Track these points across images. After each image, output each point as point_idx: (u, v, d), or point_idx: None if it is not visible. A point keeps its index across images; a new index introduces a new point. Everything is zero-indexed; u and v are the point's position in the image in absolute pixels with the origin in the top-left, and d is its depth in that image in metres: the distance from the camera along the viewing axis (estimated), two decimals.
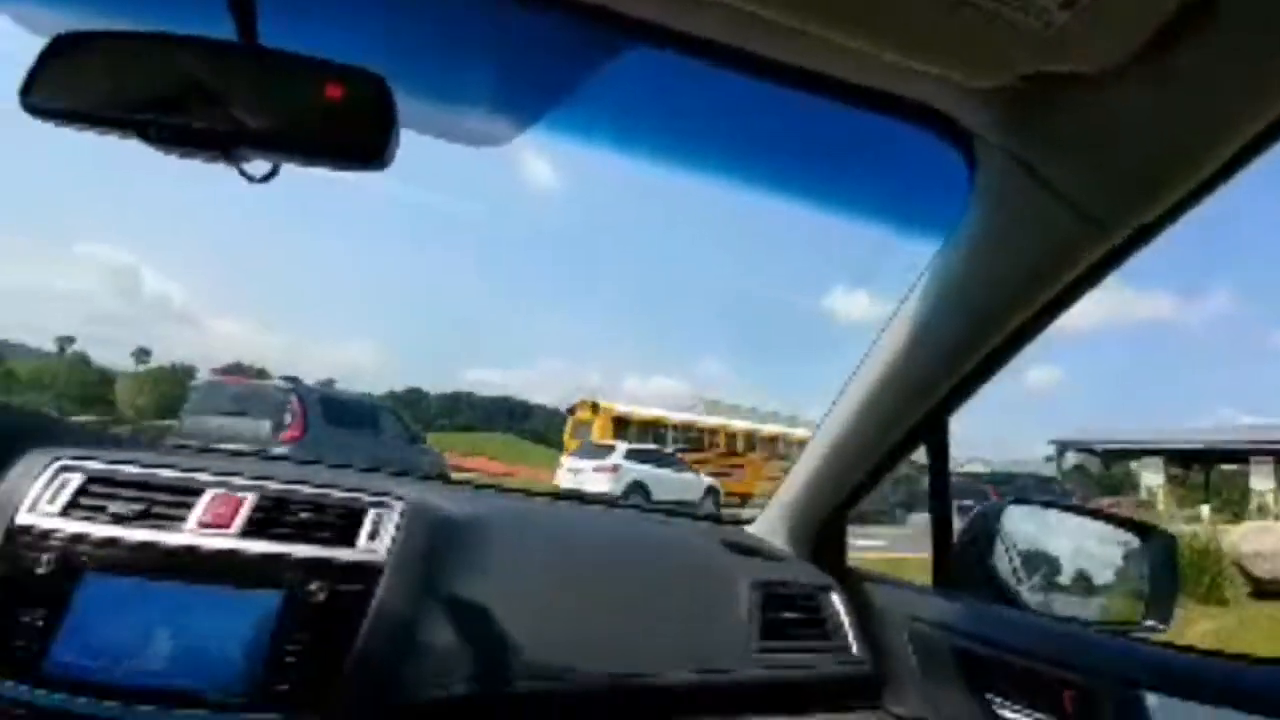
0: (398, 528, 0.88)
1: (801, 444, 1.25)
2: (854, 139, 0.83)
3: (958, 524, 1.12)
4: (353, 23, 0.73)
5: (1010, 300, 0.82)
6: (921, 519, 1.21)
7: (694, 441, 17.59)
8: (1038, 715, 0.84)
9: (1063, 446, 24.51)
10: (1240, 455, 20.51)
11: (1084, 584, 1.08)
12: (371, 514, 0.89)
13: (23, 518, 0.79)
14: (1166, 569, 1.00)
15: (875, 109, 0.69)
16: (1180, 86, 0.55)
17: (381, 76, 0.52)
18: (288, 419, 7.93)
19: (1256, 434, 20.40)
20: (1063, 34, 0.51)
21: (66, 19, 0.55)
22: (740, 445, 18.38)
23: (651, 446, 14.82)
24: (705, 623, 1.01)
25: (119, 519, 0.80)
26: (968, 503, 1.78)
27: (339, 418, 8.46)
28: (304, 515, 0.86)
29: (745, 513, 1.43)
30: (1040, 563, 1.08)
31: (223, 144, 0.51)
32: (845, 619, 1.10)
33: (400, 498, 0.92)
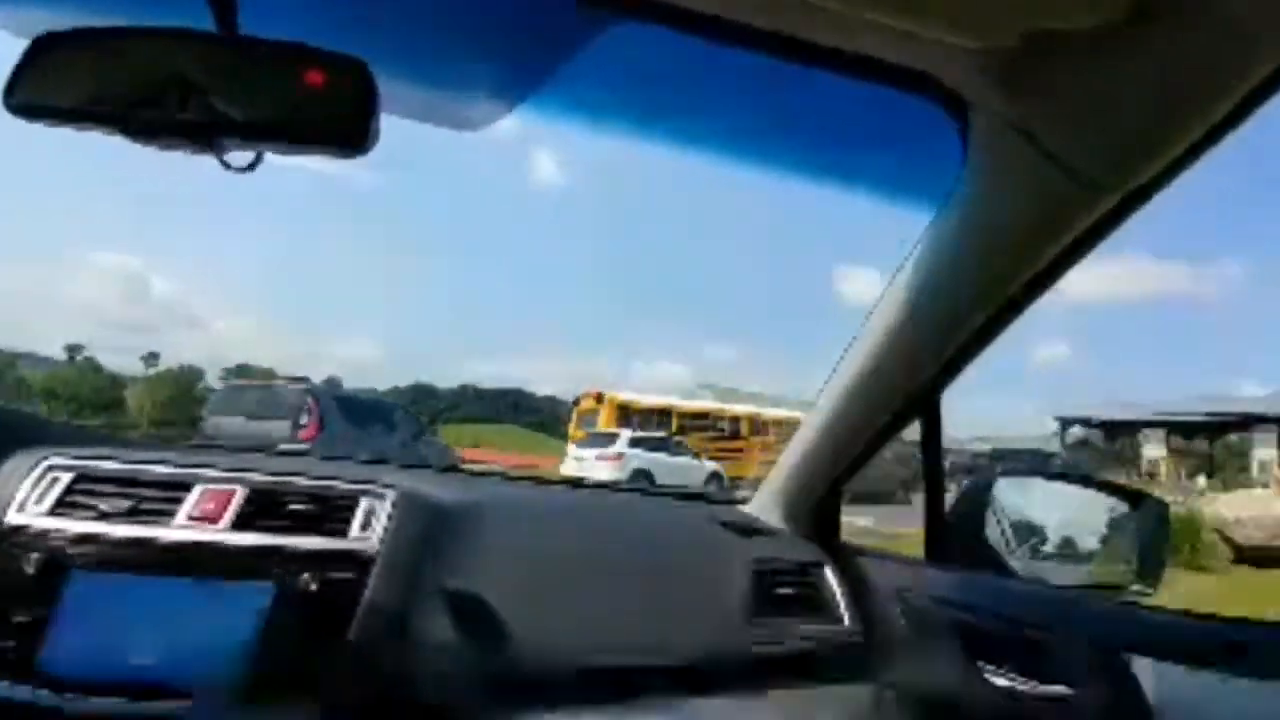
0: (390, 517, 0.88)
1: None
2: (847, 109, 0.82)
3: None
4: (332, 8, 0.71)
5: (1004, 268, 0.81)
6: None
7: (698, 427, 17.74)
8: (1028, 680, 0.85)
9: (1066, 422, 24.53)
10: (1243, 425, 20.51)
11: (1074, 551, 1.10)
12: (363, 504, 0.89)
13: (11, 518, 0.79)
14: (1157, 534, 1.01)
15: (867, 77, 0.68)
16: (1174, 46, 0.55)
17: (362, 61, 0.52)
18: (304, 419, 8.36)
19: (1259, 404, 20.39)
20: None
21: (47, 19, 0.55)
22: (744, 429, 18.48)
23: (654, 434, 14.92)
24: (702, 600, 1.03)
25: (108, 516, 0.80)
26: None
27: (353, 416, 8.95)
28: (294, 507, 0.86)
29: (741, 493, 1.44)
30: (1031, 532, 1.09)
31: (205, 135, 0.51)
32: (839, 593, 1.11)
33: (392, 487, 0.92)
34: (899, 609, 1.04)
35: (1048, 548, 1.09)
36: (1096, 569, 1.07)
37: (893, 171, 0.95)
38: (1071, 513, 1.11)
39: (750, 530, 1.18)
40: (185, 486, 0.85)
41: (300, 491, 0.88)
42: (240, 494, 0.85)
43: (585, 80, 0.78)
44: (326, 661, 0.77)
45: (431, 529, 0.92)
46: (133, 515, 0.81)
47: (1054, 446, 23.68)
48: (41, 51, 0.52)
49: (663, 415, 17.68)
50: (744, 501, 1.33)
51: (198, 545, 0.80)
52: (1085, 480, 1.16)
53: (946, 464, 1.31)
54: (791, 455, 1.21)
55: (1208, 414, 20.97)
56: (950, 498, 1.15)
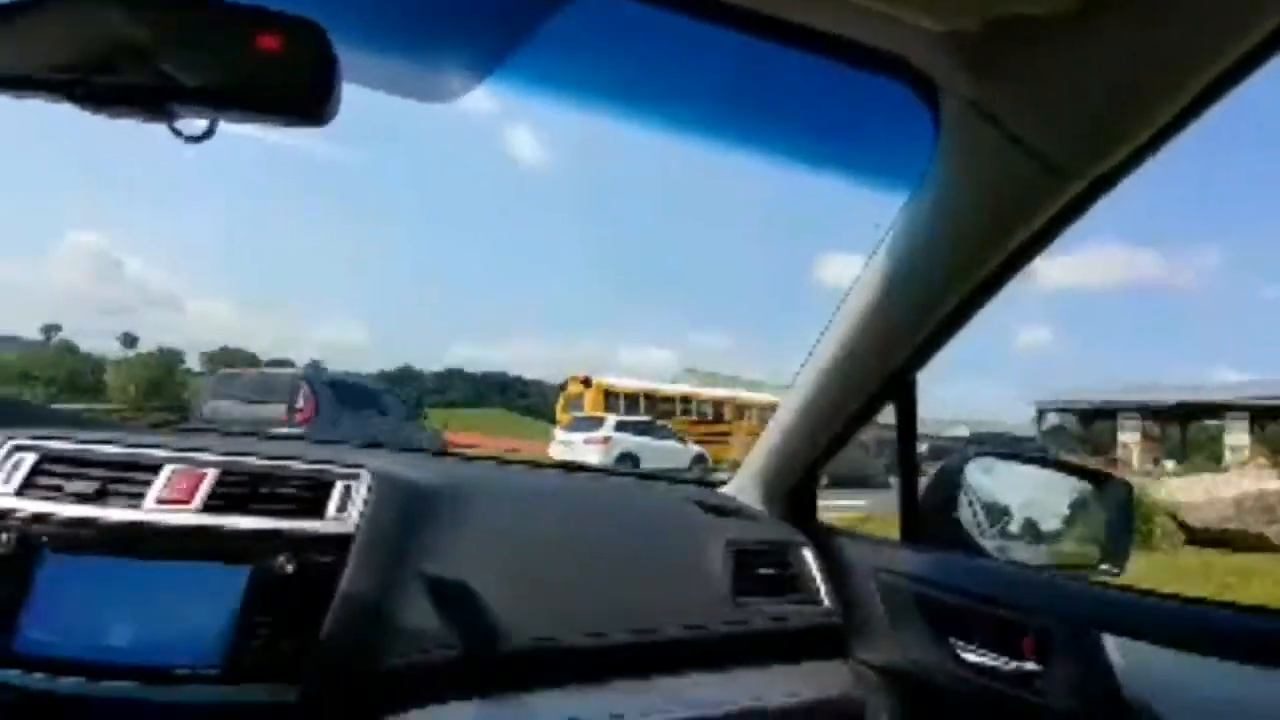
0: (366, 499, 0.88)
1: None
2: (824, 91, 0.82)
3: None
4: None
5: (974, 252, 0.81)
6: None
7: (683, 411, 17.95)
8: (999, 657, 0.87)
9: (1043, 408, 24.94)
10: (1215, 412, 20.98)
11: (1044, 531, 1.12)
12: (339, 485, 0.88)
13: None
14: (1122, 514, 1.03)
15: (839, 57, 0.68)
16: (1140, 31, 0.55)
17: (321, 26, 0.50)
18: (300, 403, 8.61)
19: (1231, 391, 20.85)
20: None
21: None
22: (728, 413, 18.71)
23: (640, 418, 15.05)
24: (680, 582, 1.03)
25: (77, 497, 0.79)
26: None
27: (346, 400, 9.25)
28: (268, 489, 0.85)
29: (720, 475, 1.45)
30: (1002, 513, 1.11)
31: (155, 101, 0.49)
32: (816, 573, 1.12)
33: (368, 469, 0.92)
34: (875, 589, 1.06)
35: (1018, 528, 1.11)
36: (1065, 549, 1.10)
37: (869, 154, 0.95)
38: (1040, 494, 1.13)
39: (729, 512, 1.19)
40: (154, 469, 0.83)
41: (274, 474, 0.87)
42: (211, 476, 0.84)
43: (560, 54, 0.77)
44: (305, 643, 0.77)
45: (409, 510, 0.92)
46: (102, 496, 0.80)
47: (1033, 432, 24.12)
48: None
49: (649, 399, 17.91)
50: (723, 484, 1.34)
51: (167, 527, 0.79)
52: (1054, 463, 1.18)
53: (924, 448, 1.32)
54: (769, 438, 1.21)
55: (1181, 401, 21.43)
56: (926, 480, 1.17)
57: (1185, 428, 22.97)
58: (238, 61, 0.49)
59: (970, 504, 1.10)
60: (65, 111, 0.50)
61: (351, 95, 0.52)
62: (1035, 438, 23.03)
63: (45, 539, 0.75)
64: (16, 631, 0.71)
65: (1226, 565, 6.76)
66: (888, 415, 1.11)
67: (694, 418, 18.08)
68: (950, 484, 1.11)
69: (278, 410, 8.46)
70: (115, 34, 0.48)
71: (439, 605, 0.86)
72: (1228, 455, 17.88)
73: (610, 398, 17.08)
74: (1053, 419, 24.95)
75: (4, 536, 0.75)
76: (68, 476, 0.81)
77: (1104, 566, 1.00)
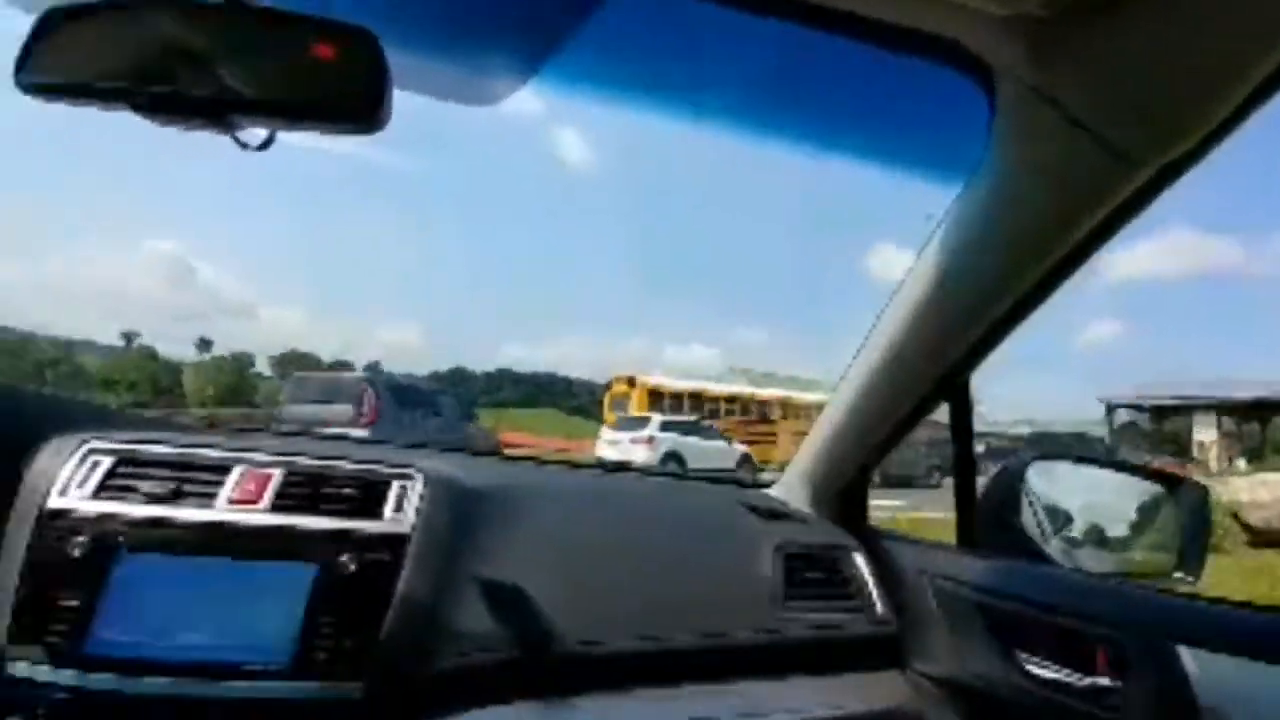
0: (421, 498, 0.90)
1: None
2: (872, 80, 0.80)
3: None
4: None
5: (1035, 244, 0.78)
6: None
7: (729, 411, 17.81)
8: (1068, 670, 0.83)
9: (1112, 405, 23.54)
10: None
11: (1112, 537, 1.06)
12: (395, 486, 0.90)
13: (54, 501, 0.80)
14: (1196, 519, 0.97)
15: (892, 44, 0.66)
16: (1208, 9, 0.52)
17: (373, 33, 0.51)
18: (365, 406, 9.38)
19: None
20: None
21: None
22: (775, 413, 18.46)
23: (685, 418, 15.03)
24: (729, 586, 1.02)
25: (151, 498, 0.81)
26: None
27: (405, 402, 10.00)
28: (328, 489, 0.87)
29: (767, 476, 1.43)
30: (1066, 517, 1.05)
31: (215, 111, 0.50)
32: (869, 579, 1.09)
33: (421, 470, 0.94)
34: (932, 595, 1.02)
35: (1084, 533, 1.05)
36: (1136, 556, 1.04)
37: (919, 143, 0.92)
38: (1108, 497, 1.07)
39: (777, 514, 1.17)
40: (224, 469, 0.86)
41: (335, 474, 0.90)
42: (278, 476, 0.86)
43: (605, 52, 0.77)
44: (366, 641, 0.78)
45: (462, 511, 0.93)
46: (176, 497, 0.82)
47: (1102, 430, 22.84)
48: (49, 28, 0.50)
49: (694, 399, 17.87)
50: (770, 485, 1.32)
51: (239, 527, 0.81)
52: (1122, 465, 1.12)
53: (980, 448, 1.27)
54: (817, 439, 1.19)
55: (1259, 398, 19.91)
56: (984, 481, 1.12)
57: (1266, 425, 21.34)
58: (294, 71, 0.50)
59: (1032, 508, 1.05)
60: (135, 121, 0.51)
61: (402, 101, 0.53)
62: (1104, 437, 21.82)
63: (120, 539, 0.78)
64: (89, 633, 0.73)
65: None
66: (940, 412, 1.07)
67: (739, 417, 17.91)
68: (1011, 487, 1.06)
69: (345, 412, 9.19)
70: (174, 44, 0.49)
71: (490, 607, 0.87)
72: None
73: (655, 397, 17.13)
74: (1123, 416, 23.54)
75: (80, 538, 0.77)
76: (142, 478, 0.84)
77: (1177, 574, 0.94)
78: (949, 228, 0.85)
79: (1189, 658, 0.72)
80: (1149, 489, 1.02)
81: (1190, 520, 0.97)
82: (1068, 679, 0.82)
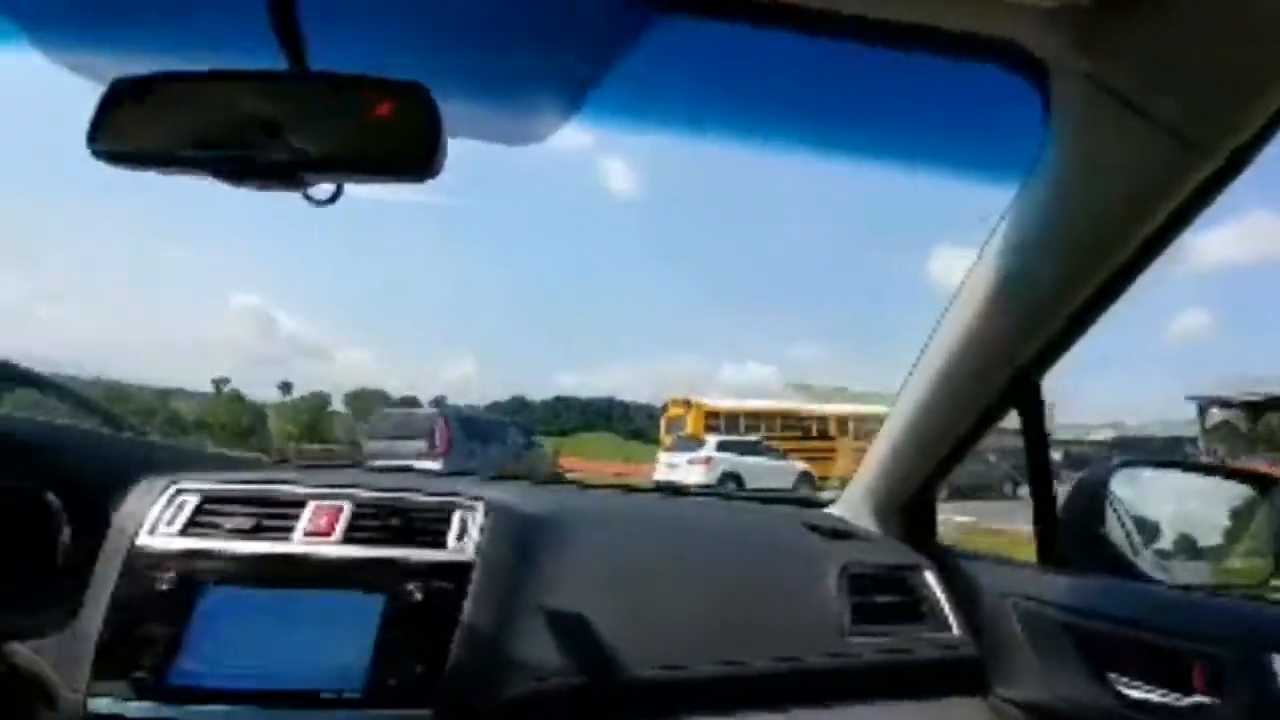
0: (482, 528, 0.92)
1: None
2: (912, 86, 0.79)
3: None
4: (393, 35, 0.74)
5: (1104, 239, 0.75)
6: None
7: (786, 428, 17.56)
8: (1163, 690, 0.78)
9: (1204, 403, 21.59)
10: None
11: (1204, 546, 0.98)
12: (457, 515, 0.93)
13: (142, 540, 0.85)
14: None
15: (938, 49, 0.65)
16: None
17: (425, 87, 0.53)
18: (437, 438, 10.13)
19: None
20: None
21: (120, 63, 0.57)
22: (833, 429, 18.06)
23: (741, 438, 14.93)
24: (794, 609, 1.00)
25: (234, 533, 0.86)
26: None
27: (474, 433, 10.88)
28: (395, 521, 0.91)
29: (827, 494, 1.39)
30: (1157, 528, 0.98)
31: (287, 172, 0.53)
32: (942, 599, 1.05)
33: (482, 499, 0.96)
34: (1014, 616, 0.96)
35: (1176, 544, 0.98)
36: (1230, 564, 0.95)
37: (968, 147, 0.89)
38: (1200, 504, 1.00)
39: (841, 533, 1.14)
40: (300, 504, 0.90)
41: (400, 506, 0.93)
42: (348, 509, 0.90)
43: (649, 83, 0.78)
44: (434, 668, 0.80)
45: (524, 538, 0.95)
46: (256, 532, 0.87)
47: (1193, 430, 21.01)
48: (118, 97, 0.53)
49: (749, 418, 17.75)
50: (831, 503, 1.29)
51: (313, 558, 0.85)
52: (1210, 467, 1.04)
53: (1058, 456, 1.21)
54: (878, 453, 1.15)
55: None
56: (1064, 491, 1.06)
57: None
58: (356, 129, 0.53)
59: (1119, 519, 0.98)
60: (205, 186, 0.55)
61: (454, 146, 0.55)
62: (1197, 438, 20.06)
63: (205, 574, 0.82)
64: (174, 665, 0.77)
65: None
66: (1010, 419, 1.03)
67: (797, 434, 17.58)
68: (1094, 497, 0.99)
69: (419, 445, 9.93)
70: (247, 112, 0.53)
71: (555, 633, 0.87)
72: None
73: (711, 418, 17.12)
74: (1216, 415, 21.54)
75: (167, 574, 0.82)
76: (226, 515, 0.89)
77: (1276, 581, 0.86)
78: (1009, 228, 0.83)
79: None
80: (1241, 492, 0.94)
81: None
82: (1164, 699, 0.77)
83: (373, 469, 1.38)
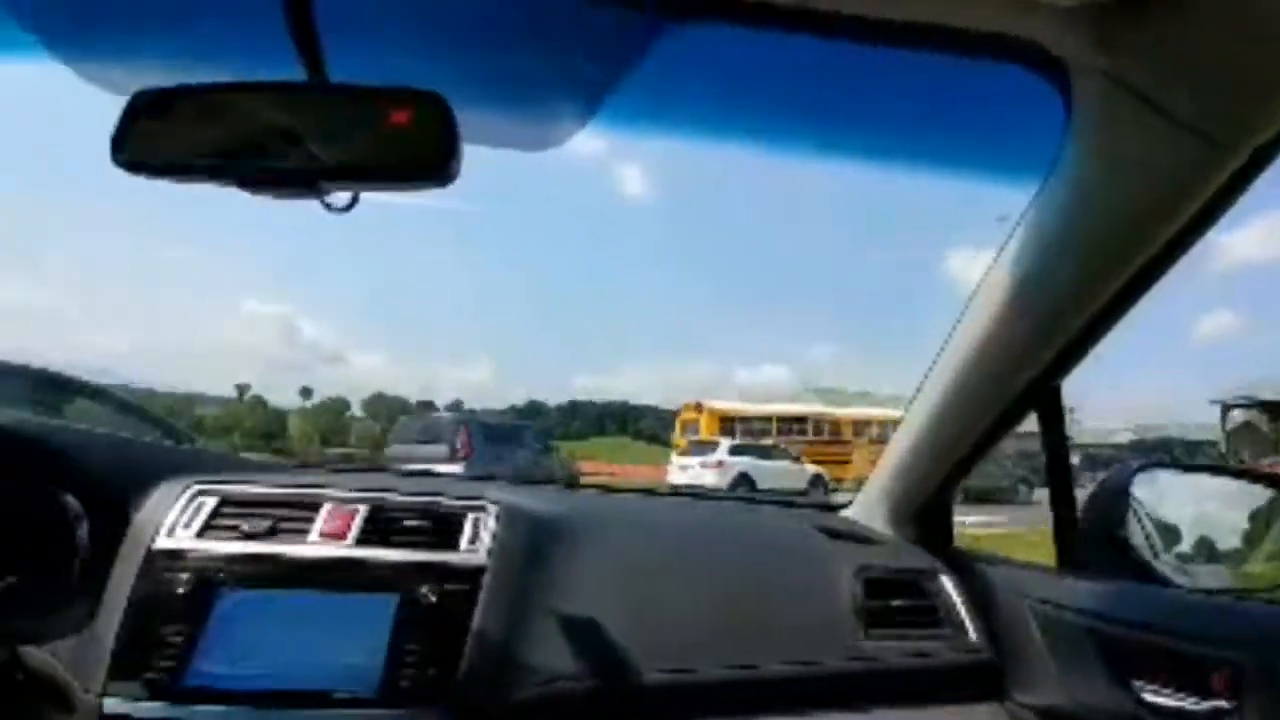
0: (495, 531, 0.92)
1: None
2: (927, 88, 0.79)
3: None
4: (409, 44, 0.75)
5: (1125, 239, 0.74)
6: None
7: (799, 431, 17.54)
8: (1186, 696, 0.76)
9: (1226, 405, 21.02)
10: None
11: (1226, 549, 0.96)
12: (470, 518, 0.93)
13: (160, 542, 0.86)
14: None
15: (957, 49, 0.65)
16: None
17: (441, 95, 0.54)
18: (459, 443, 10.47)
19: None
20: None
21: (140, 75, 0.58)
22: (846, 432, 17.97)
23: (753, 441, 15.00)
24: (805, 612, 0.99)
25: (250, 536, 0.87)
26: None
27: (494, 438, 11.18)
28: (408, 523, 0.91)
29: (842, 497, 1.38)
30: (1179, 531, 0.96)
31: (307, 180, 0.54)
32: (958, 603, 1.03)
33: (495, 501, 0.96)
34: (1031, 620, 0.95)
35: (1199, 548, 0.96)
36: (1253, 568, 0.93)
37: (985, 147, 0.89)
38: (1223, 507, 0.98)
39: (855, 537, 1.13)
40: (315, 506, 0.91)
41: (414, 508, 0.94)
42: (362, 512, 0.91)
43: (663, 88, 0.78)
44: (447, 669, 0.80)
45: (536, 541, 0.95)
46: (272, 534, 0.88)
47: (1208, 433, 20.49)
48: (142, 109, 0.54)
49: (762, 421, 17.71)
50: (845, 506, 1.28)
51: (328, 560, 0.86)
52: (1233, 469, 1.02)
53: (1076, 459, 1.19)
54: (894, 456, 1.14)
55: None
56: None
57: None
58: (374, 138, 0.54)
59: (1140, 522, 0.96)
60: (225, 196, 0.56)
61: (470, 153, 0.56)
62: (1213, 439, 19.58)
63: (221, 576, 0.83)
64: (189, 666, 0.77)
65: None
66: (1029, 422, 1.01)
67: (810, 437, 17.53)
68: (1114, 500, 0.98)
69: (442, 450, 10.26)
70: (268, 122, 0.54)
71: (567, 636, 0.88)
72: None
73: (724, 421, 17.15)
74: (1238, 417, 20.99)
75: (183, 576, 0.82)
76: (243, 517, 0.90)
77: None
78: (1028, 229, 0.82)
79: None
80: (1264, 494, 0.92)
81: None
82: (1183, 704, 0.76)
83: (390, 472, 1.39)
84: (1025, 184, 0.81)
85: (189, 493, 0.92)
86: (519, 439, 11.92)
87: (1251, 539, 0.96)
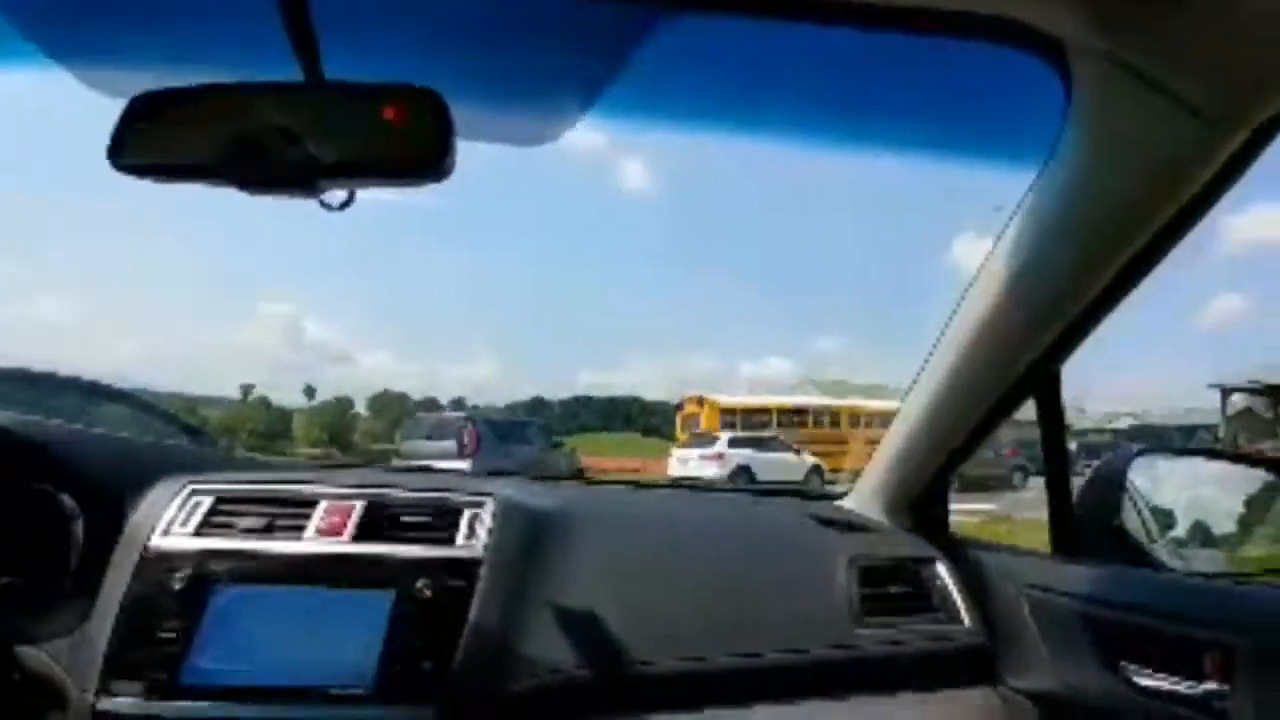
0: (492, 524, 0.93)
1: None
2: (923, 74, 0.78)
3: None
4: (404, 40, 0.75)
5: (1126, 221, 0.73)
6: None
7: (798, 423, 17.73)
8: (1178, 678, 0.77)
9: (1226, 390, 20.91)
10: None
11: (1225, 534, 0.97)
12: (467, 513, 0.93)
13: (156, 540, 0.86)
14: None
15: (954, 32, 0.64)
16: None
17: (436, 91, 0.54)
18: (466, 440, 10.70)
19: None
20: None
21: (137, 77, 0.58)
22: (844, 423, 18.13)
23: (752, 433, 15.09)
24: (801, 601, 1.00)
25: (247, 533, 0.87)
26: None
27: (501, 435, 11.51)
28: (406, 518, 0.91)
29: (838, 487, 1.39)
30: (1175, 516, 0.97)
31: (302, 179, 0.54)
32: (954, 590, 1.04)
33: (492, 496, 0.97)
34: (1026, 607, 0.96)
35: (1195, 532, 0.97)
36: (1250, 552, 0.94)
37: (982, 133, 0.89)
38: (1219, 492, 0.98)
39: (851, 526, 1.14)
40: (311, 503, 0.91)
41: (411, 504, 0.94)
42: (359, 508, 0.91)
43: (659, 79, 0.78)
44: (443, 664, 0.80)
45: (533, 535, 0.95)
46: (268, 531, 0.88)
47: (1215, 418, 20.46)
48: (139, 112, 0.55)
49: (762, 413, 17.97)
50: (842, 496, 1.29)
51: (324, 556, 0.86)
52: (1233, 456, 1.03)
53: (1073, 445, 1.20)
54: (890, 445, 1.15)
55: None
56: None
57: None
58: (370, 135, 0.55)
59: (1136, 508, 0.97)
60: (226, 198, 0.57)
61: (465, 149, 0.56)
62: (1214, 424, 19.54)
63: (218, 573, 0.83)
64: (186, 663, 0.78)
65: None
66: (1026, 409, 1.02)
67: (809, 429, 17.67)
68: (1111, 486, 0.99)
69: (450, 447, 10.50)
70: (264, 122, 0.54)
71: (563, 628, 0.88)
72: None
73: (725, 414, 17.29)
74: (1238, 402, 20.85)
75: (180, 574, 0.82)
76: (240, 514, 0.90)
77: None
78: (1027, 215, 0.81)
79: None
80: (1262, 478, 0.92)
81: None
82: (1176, 687, 0.77)
83: (386, 469, 1.40)
84: (1026, 168, 0.80)
85: (185, 491, 0.92)
86: (525, 436, 12.12)
87: (1248, 523, 0.97)
